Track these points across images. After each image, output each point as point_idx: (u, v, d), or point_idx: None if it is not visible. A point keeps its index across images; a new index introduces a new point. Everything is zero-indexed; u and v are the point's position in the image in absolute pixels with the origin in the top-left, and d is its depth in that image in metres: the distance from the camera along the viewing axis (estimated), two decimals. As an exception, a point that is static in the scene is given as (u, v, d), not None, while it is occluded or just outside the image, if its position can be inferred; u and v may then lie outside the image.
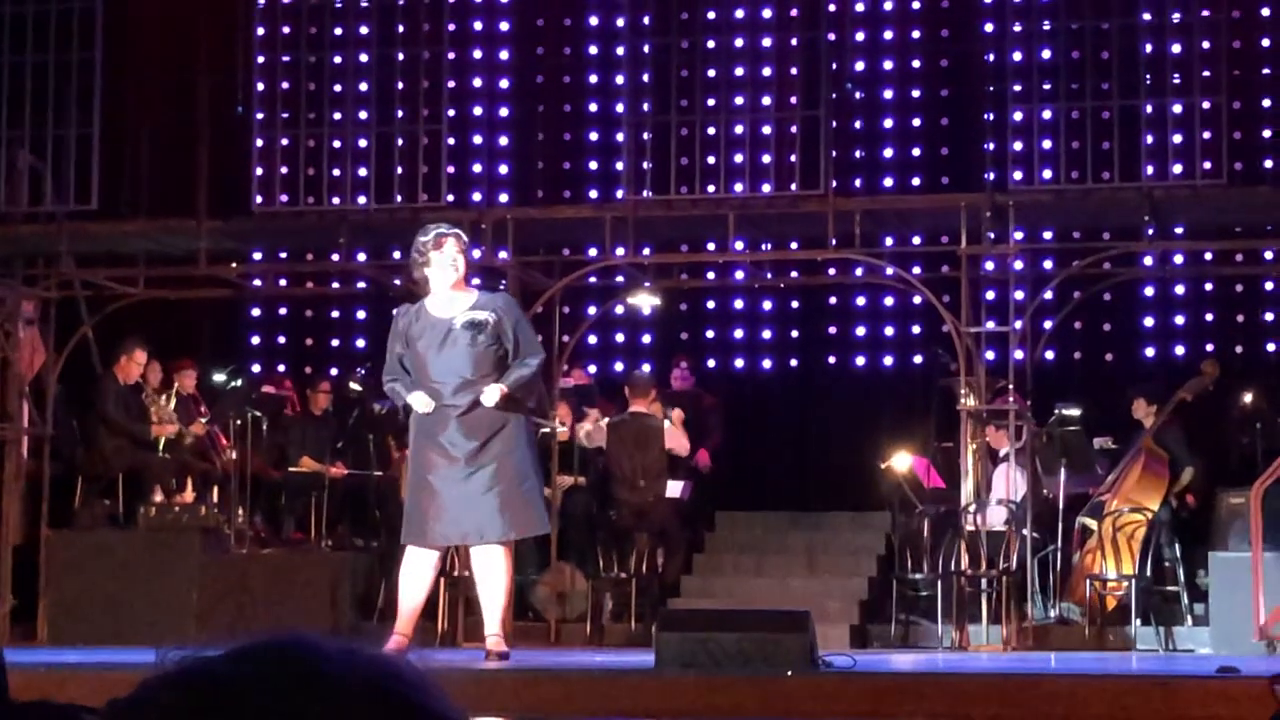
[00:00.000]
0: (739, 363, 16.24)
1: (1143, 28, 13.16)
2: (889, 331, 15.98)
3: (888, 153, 15.70)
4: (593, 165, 15.97)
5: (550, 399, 13.32)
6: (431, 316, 9.15)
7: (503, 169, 15.97)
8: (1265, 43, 14.43)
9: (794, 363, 16.25)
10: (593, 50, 16.13)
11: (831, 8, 13.94)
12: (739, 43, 13.92)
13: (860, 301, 16.00)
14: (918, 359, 15.38)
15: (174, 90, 14.74)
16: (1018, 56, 13.49)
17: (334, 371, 15.44)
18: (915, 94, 15.79)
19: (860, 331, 16.06)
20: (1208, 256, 14.31)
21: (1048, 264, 13.81)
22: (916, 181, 15.43)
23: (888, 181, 15.50)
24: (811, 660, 8.31)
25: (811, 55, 13.64)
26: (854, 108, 15.48)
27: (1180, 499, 13.25)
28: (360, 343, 15.96)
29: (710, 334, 16.34)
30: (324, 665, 1.61)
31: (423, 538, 9.15)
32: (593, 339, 15.79)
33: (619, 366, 16.03)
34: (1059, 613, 12.84)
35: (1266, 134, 14.51)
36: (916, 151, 15.70)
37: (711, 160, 13.55)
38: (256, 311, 16.68)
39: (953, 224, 13.14)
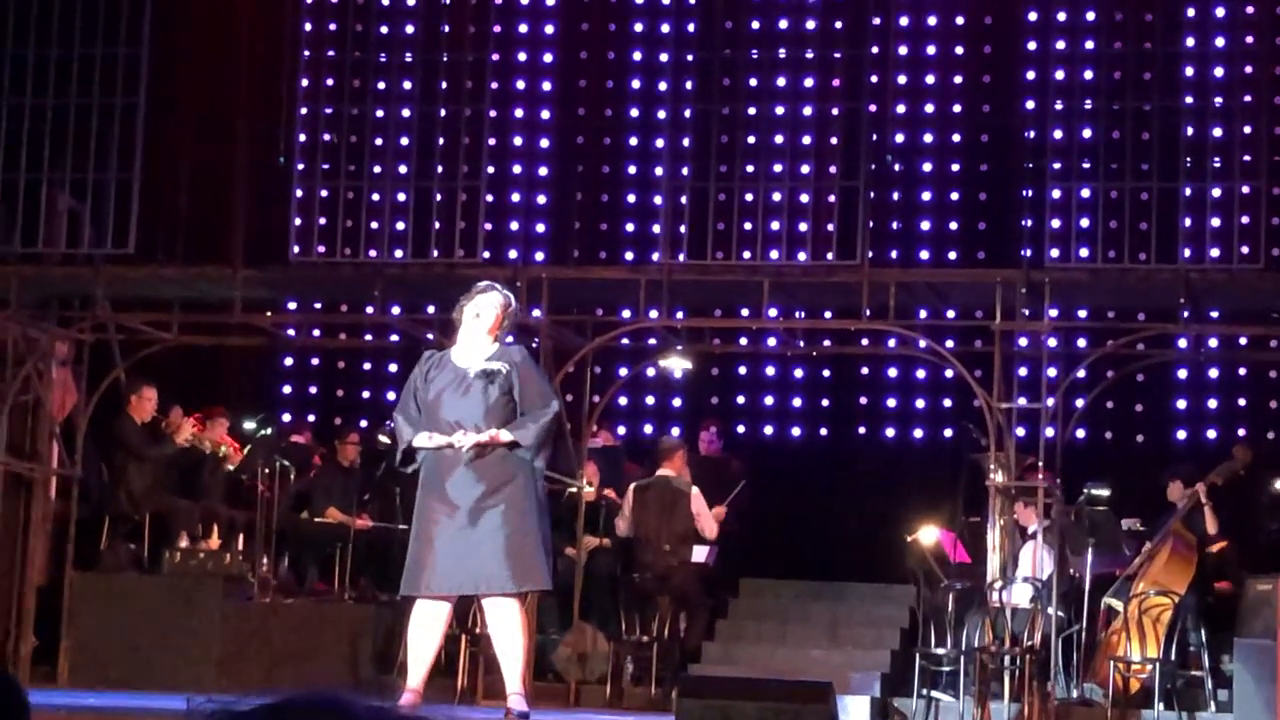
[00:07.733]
0: (768, 429, 16.23)
1: (1184, 111, 13.17)
2: (920, 404, 15.95)
3: (925, 225, 15.71)
4: (629, 227, 16.01)
5: (579, 459, 13.31)
6: (453, 364, 9.12)
7: (540, 228, 16.02)
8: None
9: (824, 432, 16.23)
10: (634, 113, 16.19)
11: (873, 79, 13.97)
12: (780, 110, 13.97)
13: (892, 373, 15.98)
14: (948, 433, 15.36)
15: (215, 138, 14.80)
16: (1058, 134, 13.51)
17: (363, 423, 15.44)
18: (954, 168, 15.81)
19: (891, 403, 16.04)
20: (1242, 341, 14.25)
21: (1081, 342, 13.78)
22: (953, 255, 15.43)
23: (924, 254, 15.51)
24: (832, 732, 8.27)
25: (852, 125, 13.67)
26: (892, 179, 15.49)
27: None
28: (391, 396, 15.90)
29: (740, 400, 16.32)
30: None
31: (418, 587, 9.04)
32: (623, 400, 15.78)
33: (648, 429, 16.01)
34: (1081, 693, 12.77)
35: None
36: (953, 225, 15.70)
37: (748, 226, 13.56)
38: (289, 361, 16.72)
39: (987, 299, 13.11)
